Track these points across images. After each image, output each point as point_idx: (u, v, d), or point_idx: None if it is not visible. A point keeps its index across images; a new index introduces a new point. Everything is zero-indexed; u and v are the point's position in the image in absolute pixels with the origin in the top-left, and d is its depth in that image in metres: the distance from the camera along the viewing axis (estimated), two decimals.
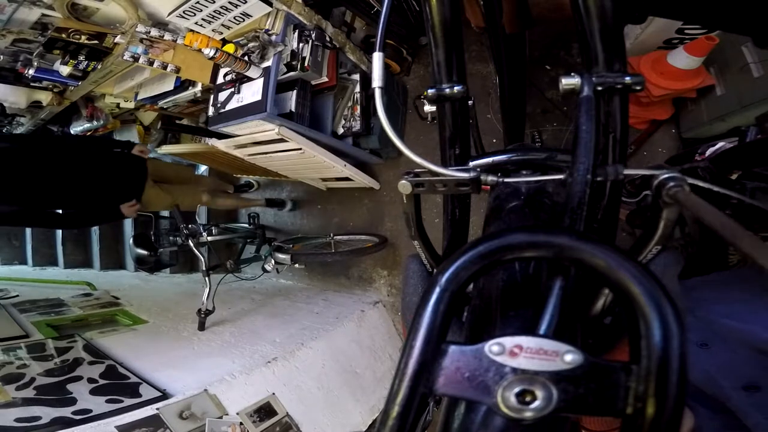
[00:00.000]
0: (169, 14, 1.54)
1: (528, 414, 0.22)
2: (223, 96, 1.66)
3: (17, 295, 2.28)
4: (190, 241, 1.72)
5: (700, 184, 0.37)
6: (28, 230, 3.54)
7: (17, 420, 1.08)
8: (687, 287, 0.63)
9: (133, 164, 1.89)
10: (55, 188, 1.64)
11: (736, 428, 0.49)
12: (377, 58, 0.46)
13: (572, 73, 0.40)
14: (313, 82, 1.79)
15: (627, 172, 0.39)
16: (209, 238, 2.08)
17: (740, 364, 0.49)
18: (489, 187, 0.48)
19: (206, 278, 1.84)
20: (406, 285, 0.58)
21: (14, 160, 1.55)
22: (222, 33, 1.63)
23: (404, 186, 0.46)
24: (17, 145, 1.60)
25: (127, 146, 1.90)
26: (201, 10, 1.50)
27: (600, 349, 0.43)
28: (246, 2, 1.46)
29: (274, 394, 1.46)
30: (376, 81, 0.46)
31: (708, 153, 1.18)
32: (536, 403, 0.22)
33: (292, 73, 1.66)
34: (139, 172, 1.90)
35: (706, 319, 0.53)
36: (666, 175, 0.35)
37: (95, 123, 2.46)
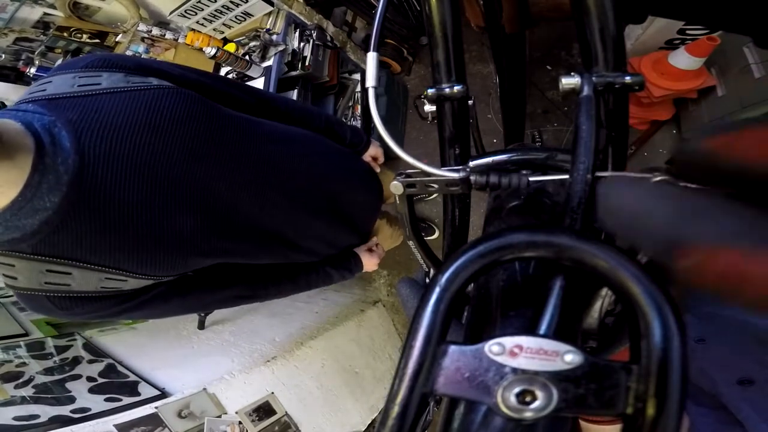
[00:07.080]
0: (171, 13, 1.54)
1: (528, 414, 0.22)
2: None
3: None
4: None
5: (692, 187, 0.36)
6: None
7: (15, 418, 1.08)
8: None
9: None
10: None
11: (730, 423, 0.49)
12: (371, 58, 0.46)
13: (572, 73, 0.40)
14: (314, 82, 1.79)
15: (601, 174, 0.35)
16: None
17: (736, 359, 0.49)
18: None
19: None
20: (406, 309, 0.58)
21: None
22: (223, 32, 1.63)
23: (396, 186, 0.46)
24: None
25: (355, 139, 0.95)
26: (202, 9, 1.50)
27: (601, 350, 0.43)
28: (247, 2, 1.47)
29: (273, 393, 1.46)
30: (370, 81, 0.46)
31: None
32: (536, 403, 0.22)
33: (293, 73, 1.66)
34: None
35: (706, 316, 0.53)
36: (656, 180, 0.33)
37: None
